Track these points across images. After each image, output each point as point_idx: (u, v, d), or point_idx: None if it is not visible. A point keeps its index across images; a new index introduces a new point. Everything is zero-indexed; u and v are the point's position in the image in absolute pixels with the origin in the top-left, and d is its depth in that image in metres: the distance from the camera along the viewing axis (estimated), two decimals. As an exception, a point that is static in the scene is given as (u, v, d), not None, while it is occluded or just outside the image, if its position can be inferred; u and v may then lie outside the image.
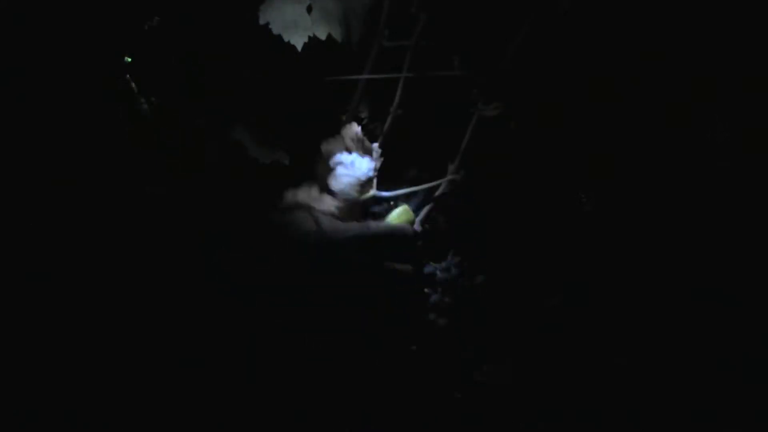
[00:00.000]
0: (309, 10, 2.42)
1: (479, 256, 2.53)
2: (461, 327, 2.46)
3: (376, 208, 2.49)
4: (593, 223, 2.54)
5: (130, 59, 2.49)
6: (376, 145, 2.44)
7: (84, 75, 2.44)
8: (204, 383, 2.35)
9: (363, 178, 2.40)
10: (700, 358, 2.30)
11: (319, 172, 2.43)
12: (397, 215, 2.47)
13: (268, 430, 2.34)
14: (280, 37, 2.39)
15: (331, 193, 2.40)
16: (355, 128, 2.44)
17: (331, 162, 2.41)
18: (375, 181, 2.43)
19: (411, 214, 2.48)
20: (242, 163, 2.50)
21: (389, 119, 2.50)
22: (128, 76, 2.49)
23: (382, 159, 2.44)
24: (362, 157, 2.41)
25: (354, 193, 2.40)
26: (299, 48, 2.39)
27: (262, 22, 2.38)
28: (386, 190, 2.45)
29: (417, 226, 2.47)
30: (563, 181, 2.59)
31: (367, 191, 2.42)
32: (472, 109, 2.51)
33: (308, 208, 2.37)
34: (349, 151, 2.41)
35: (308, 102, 2.57)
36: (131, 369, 2.34)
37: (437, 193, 2.52)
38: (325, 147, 2.42)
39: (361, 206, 2.44)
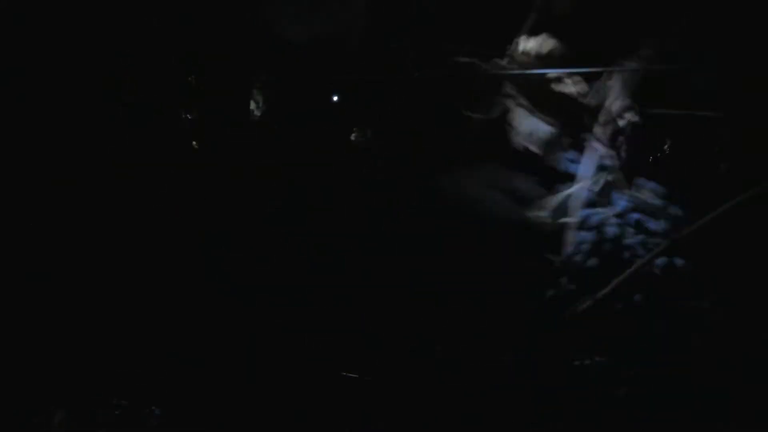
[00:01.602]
0: None
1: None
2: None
3: None
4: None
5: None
6: None
7: (84, 75, 2.44)
8: (204, 383, 2.35)
9: None
10: (699, 357, 2.30)
11: None
12: None
13: (268, 430, 2.34)
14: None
15: None
16: None
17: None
18: None
19: None
20: (242, 163, 2.50)
21: None
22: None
23: None
24: None
25: None
26: None
27: None
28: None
29: None
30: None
31: None
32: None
33: None
34: None
35: (308, 102, 2.58)
36: (131, 368, 2.34)
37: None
38: None
39: None
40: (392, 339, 2.41)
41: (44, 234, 2.39)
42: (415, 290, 2.44)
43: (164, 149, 2.51)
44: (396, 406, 2.35)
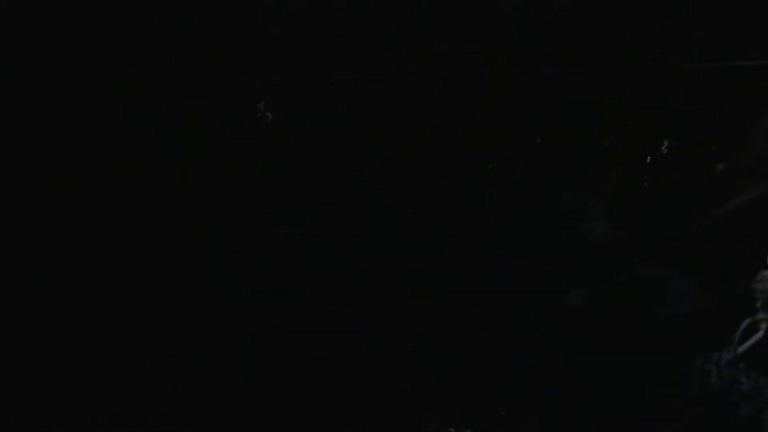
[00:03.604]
0: None
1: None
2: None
3: None
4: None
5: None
6: None
7: (84, 75, 2.44)
8: (204, 383, 2.35)
9: None
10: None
11: None
12: None
13: (268, 430, 2.34)
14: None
15: None
16: None
17: None
18: None
19: None
20: (242, 163, 2.50)
21: None
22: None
23: None
24: None
25: None
26: None
27: None
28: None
29: None
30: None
31: None
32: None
33: None
34: None
35: (308, 102, 2.58)
36: (131, 368, 2.34)
37: None
38: None
39: None
40: (392, 339, 2.41)
41: (44, 234, 2.39)
42: (415, 290, 2.45)
43: (164, 149, 2.51)
44: (396, 406, 2.35)
